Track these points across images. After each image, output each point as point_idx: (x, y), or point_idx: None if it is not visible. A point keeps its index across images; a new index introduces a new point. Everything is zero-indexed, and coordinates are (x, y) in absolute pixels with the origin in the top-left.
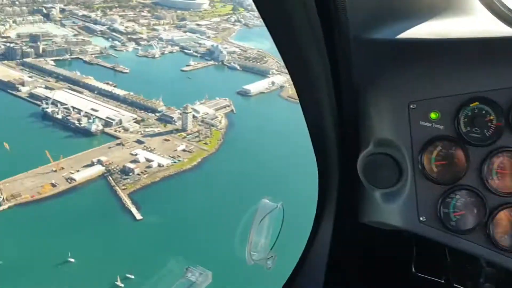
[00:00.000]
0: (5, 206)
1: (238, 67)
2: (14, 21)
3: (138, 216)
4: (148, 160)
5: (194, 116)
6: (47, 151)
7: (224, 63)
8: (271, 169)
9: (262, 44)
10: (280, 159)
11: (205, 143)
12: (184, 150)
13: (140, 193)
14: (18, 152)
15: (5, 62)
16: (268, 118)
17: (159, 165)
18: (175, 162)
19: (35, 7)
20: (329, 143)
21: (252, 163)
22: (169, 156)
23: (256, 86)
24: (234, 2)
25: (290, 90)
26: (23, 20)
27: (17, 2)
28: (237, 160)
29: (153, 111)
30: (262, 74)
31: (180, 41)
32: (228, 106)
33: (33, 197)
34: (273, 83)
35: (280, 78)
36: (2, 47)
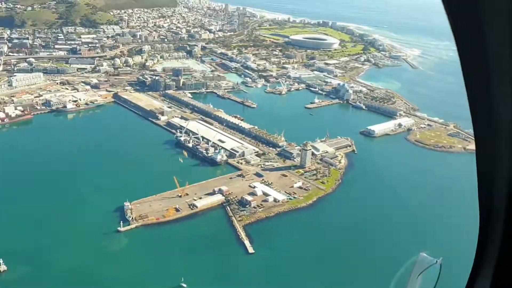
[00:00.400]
0: (132, 225)
1: (364, 107)
2: (162, 56)
3: (251, 249)
4: (265, 194)
5: (313, 154)
6: (174, 177)
7: (350, 102)
8: (391, 217)
9: (392, 84)
10: (404, 208)
11: (322, 182)
12: (300, 187)
13: (254, 226)
14: (151, 175)
15: (150, 93)
16: (393, 162)
17: (275, 200)
18: (290, 198)
19: (180, 45)
20: (497, 199)
21: (370, 208)
22: (286, 192)
23: (381, 127)
24: (365, 42)
25: (419, 134)
26: (169, 56)
27: (166, 40)
28: (354, 203)
29: (274, 145)
30: (389, 115)
31: (307, 79)
32: (349, 146)
33: (158, 220)
34: (400, 125)
35: (408, 120)
36: (149, 79)
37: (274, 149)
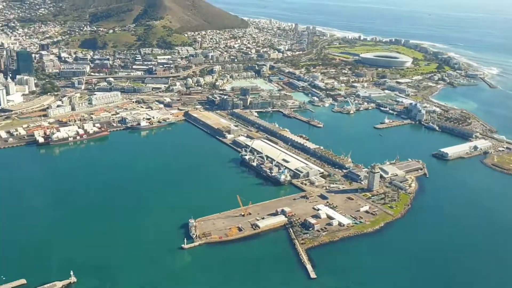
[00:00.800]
0: (196, 243)
1: (437, 128)
2: (231, 76)
3: (313, 274)
4: (330, 217)
5: (381, 177)
6: (238, 196)
7: (422, 122)
8: (465, 247)
9: (467, 104)
10: (480, 237)
11: (391, 207)
12: (367, 212)
13: (317, 250)
14: (216, 192)
15: (219, 111)
16: (467, 187)
17: (340, 224)
18: (356, 223)
19: (249, 64)
20: None
21: (442, 236)
22: (351, 216)
23: (455, 150)
24: (440, 61)
25: (496, 158)
26: (238, 75)
27: (236, 60)
28: (425, 230)
29: (340, 167)
30: (464, 136)
31: (377, 98)
32: (421, 169)
33: (221, 238)
34: (475, 147)
35: (485, 142)
36: (218, 98)
37: (340, 171)
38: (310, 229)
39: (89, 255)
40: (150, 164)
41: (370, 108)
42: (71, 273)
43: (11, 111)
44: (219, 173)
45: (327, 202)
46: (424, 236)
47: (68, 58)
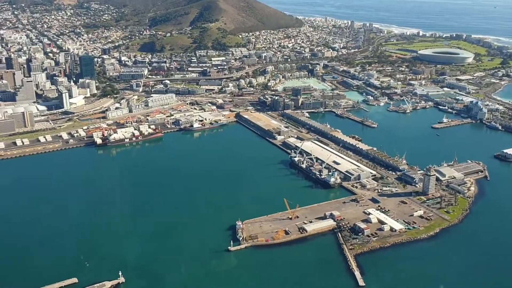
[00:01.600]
0: (242, 246)
1: (500, 127)
2: (284, 76)
3: (361, 282)
4: (381, 222)
5: (438, 179)
6: (285, 199)
7: (484, 121)
8: None
9: None
10: None
11: (447, 212)
12: (421, 217)
13: (367, 256)
14: (264, 194)
15: (270, 112)
16: None
17: (391, 229)
18: (409, 228)
19: (302, 64)
20: None
21: (505, 246)
22: (404, 220)
23: None
24: (504, 56)
25: None
26: (291, 75)
27: (289, 60)
28: (484, 237)
29: (394, 169)
30: None
31: (436, 96)
32: (481, 171)
33: (267, 241)
34: None
35: None
36: (269, 99)
37: (393, 173)
38: (360, 234)
39: (138, 255)
40: (201, 165)
41: (427, 107)
42: (120, 273)
43: (73, 113)
44: (267, 175)
45: (379, 206)
46: (483, 244)
47: (128, 61)
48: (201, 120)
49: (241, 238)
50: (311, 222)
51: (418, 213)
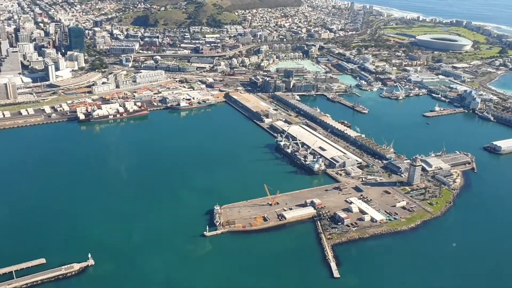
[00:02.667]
0: (219, 231)
1: (492, 118)
2: (278, 57)
3: (336, 273)
4: (362, 212)
5: (424, 170)
6: (265, 185)
7: (476, 111)
8: (510, 255)
9: None
10: None
11: (430, 204)
12: (404, 208)
13: (344, 247)
14: (245, 179)
15: (260, 94)
16: None
17: (372, 220)
18: (390, 219)
19: (298, 44)
20: None
21: (486, 240)
22: (386, 211)
23: (510, 143)
24: (504, 44)
25: None
26: (285, 56)
27: (285, 39)
28: (466, 231)
29: (381, 157)
30: None
31: (430, 83)
32: (469, 163)
33: (245, 228)
34: None
35: None
36: (260, 80)
37: (380, 161)
38: (339, 223)
39: (109, 237)
40: (184, 145)
41: (421, 94)
42: (89, 255)
43: (59, 86)
44: (251, 158)
45: (361, 195)
46: (463, 238)
47: (120, 35)
48: (188, 99)
49: (218, 223)
50: (291, 209)
51: (400, 204)
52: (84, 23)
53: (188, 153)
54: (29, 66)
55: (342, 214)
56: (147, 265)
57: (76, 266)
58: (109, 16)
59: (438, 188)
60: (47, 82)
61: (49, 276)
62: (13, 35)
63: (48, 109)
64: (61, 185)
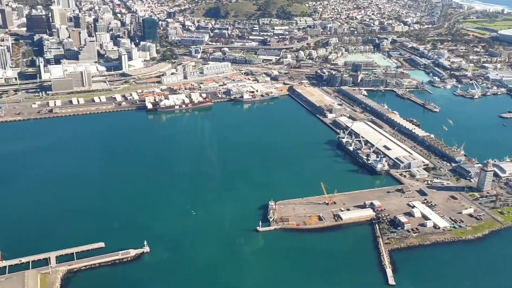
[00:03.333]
0: (271, 227)
1: None
2: (347, 50)
3: (392, 280)
4: (424, 217)
5: (496, 175)
6: (322, 183)
7: None
8: None
9: None
10: None
11: (501, 213)
12: (470, 215)
13: (403, 253)
14: (303, 175)
15: (325, 87)
16: None
17: (435, 226)
18: (455, 227)
19: (369, 37)
20: None
21: None
22: (450, 218)
23: None
24: None
25: None
26: (355, 49)
27: (355, 32)
28: None
29: (450, 160)
30: None
31: (510, 82)
32: None
33: (298, 226)
34: None
35: None
36: (326, 73)
37: (448, 164)
38: (399, 228)
39: (166, 226)
40: (244, 138)
41: (499, 93)
42: (145, 242)
43: (131, 76)
44: (311, 154)
45: (425, 199)
46: None
47: (191, 26)
48: (252, 92)
49: (271, 219)
50: (348, 209)
51: (467, 211)
52: (158, 14)
53: (248, 146)
54: (105, 55)
55: (403, 218)
56: (199, 256)
57: (133, 252)
58: (182, 8)
59: (511, 196)
60: (120, 71)
61: (107, 260)
62: (92, 25)
63: (119, 97)
64: (125, 172)
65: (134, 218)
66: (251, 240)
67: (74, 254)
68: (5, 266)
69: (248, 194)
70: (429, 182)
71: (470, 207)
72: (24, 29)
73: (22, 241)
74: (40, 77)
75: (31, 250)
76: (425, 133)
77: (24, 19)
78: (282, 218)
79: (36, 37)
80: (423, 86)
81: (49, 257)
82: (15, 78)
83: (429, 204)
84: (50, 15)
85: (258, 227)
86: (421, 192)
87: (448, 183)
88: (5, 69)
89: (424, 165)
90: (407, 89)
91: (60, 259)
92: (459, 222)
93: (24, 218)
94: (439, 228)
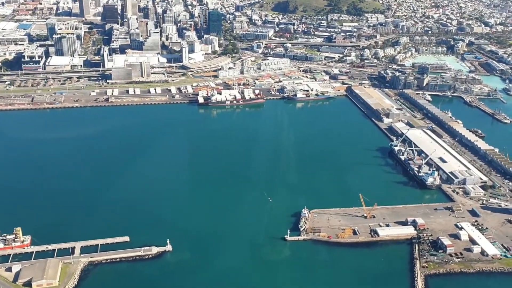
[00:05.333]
0: (301, 237)
1: None
2: (417, 50)
3: None
4: (472, 241)
5: None
6: (360, 195)
7: None
8: None
9: None
10: None
11: None
12: None
13: (440, 280)
14: (345, 183)
15: (386, 90)
16: None
17: (482, 253)
18: (506, 255)
19: (444, 38)
20: None
21: None
22: (503, 245)
23: None
24: None
25: None
26: (426, 50)
27: (430, 32)
28: None
29: None
30: None
31: None
32: None
33: (330, 238)
34: None
35: None
36: (390, 74)
37: (510, 183)
38: (441, 251)
39: (193, 226)
40: (291, 138)
41: None
42: (168, 241)
43: (189, 68)
44: (358, 161)
45: (476, 221)
46: None
47: (258, 20)
48: (306, 90)
49: (302, 228)
50: (387, 225)
51: None
52: (228, 7)
53: (293, 147)
54: (169, 47)
55: (446, 241)
56: (221, 260)
57: (155, 250)
58: (252, 1)
59: None
60: (180, 64)
61: (128, 256)
62: (162, 16)
63: (174, 90)
64: (161, 167)
65: (162, 215)
66: (277, 248)
67: (99, 246)
68: (33, 252)
69: (283, 198)
70: (484, 201)
71: None
72: (99, 18)
73: (52, 228)
74: (104, 66)
75: (60, 237)
76: (489, 147)
77: (100, 9)
78: (314, 229)
79: (108, 26)
80: (495, 94)
81: (75, 247)
82: (80, 66)
83: (480, 227)
84: (124, 5)
85: (286, 236)
86: (473, 213)
87: (506, 205)
88: (73, 56)
89: (481, 182)
90: (477, 96)
91: (85, 250)
92: None
93: (56, 205)
94: (487, 255)
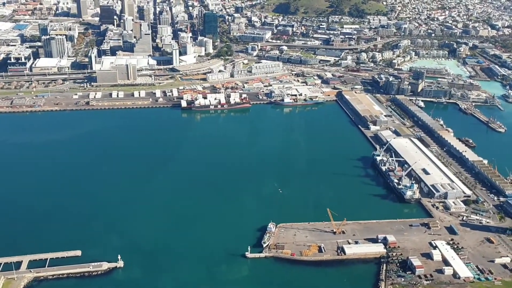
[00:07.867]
0: (262, 254)
1: None
2: (417, 54)
3: None
4: (444, 262)
5: None
6: (328, 209)
7: None
8: None
9: None
10: None
11: None
12: (505, 266)
13: None
14: (318, 196)
15: (379, 95)
16: None
17: (454, 275)
18: (479, 279)
19: (447, 41)
20: None
21: None
22: (477, 266)
23: None
24: None
25: None
26: (427, 53)
27: (433, 35)
28: None
29: (499, 192)
30: None
31: None
32: None
33: (293, 255)
34: None
35: None
36: (384, 79)
37: (495, 199)
38: (409, 272)
39: (148, 240)
40: (271, 145)
41: None
42: (119, 257)
43: (179, 71)
44: (338, 171)
45: (452, 239)
46: None
47: (257, 22)
48: (294, 95)
49: (265, 245)
50: (356, 242)
51: (502, 260)
52: (229, 8)
53: (271, 155)
54: (161, 48)
55: (416, 261)
56: (173, 278)
57: (105, 266)
58: (253, 2)
59: None
60: (169, 66)
61: (75, 271)
62: (158, 17)
63: (158, 93)
64: (124, 174)
65: (119, 227)
66: (236, 266)
67: (48, 260)
68: None
69: (250, 210)
70: (464, 218)
71: (507, 256)
72: (97, 19)
73: (2, 240)
74: (91, 68)
75: (6, 250)
76: (477, 158)
77: (98, 10)
78: (277, 245)
79: (103, 27)
80: (493, 101)
81: (22, 261)
82: (68, 68)
83: (455, 246)
84: (123, 6)
85: (247, 252)
86: (451, 230)
87: (487, 222)
88: (61, 58)
89: (464, 196)
90: (473, 103)
91: (33, 264)
92: (487, 274)
93: (6, 215)
94: (459, 277)
